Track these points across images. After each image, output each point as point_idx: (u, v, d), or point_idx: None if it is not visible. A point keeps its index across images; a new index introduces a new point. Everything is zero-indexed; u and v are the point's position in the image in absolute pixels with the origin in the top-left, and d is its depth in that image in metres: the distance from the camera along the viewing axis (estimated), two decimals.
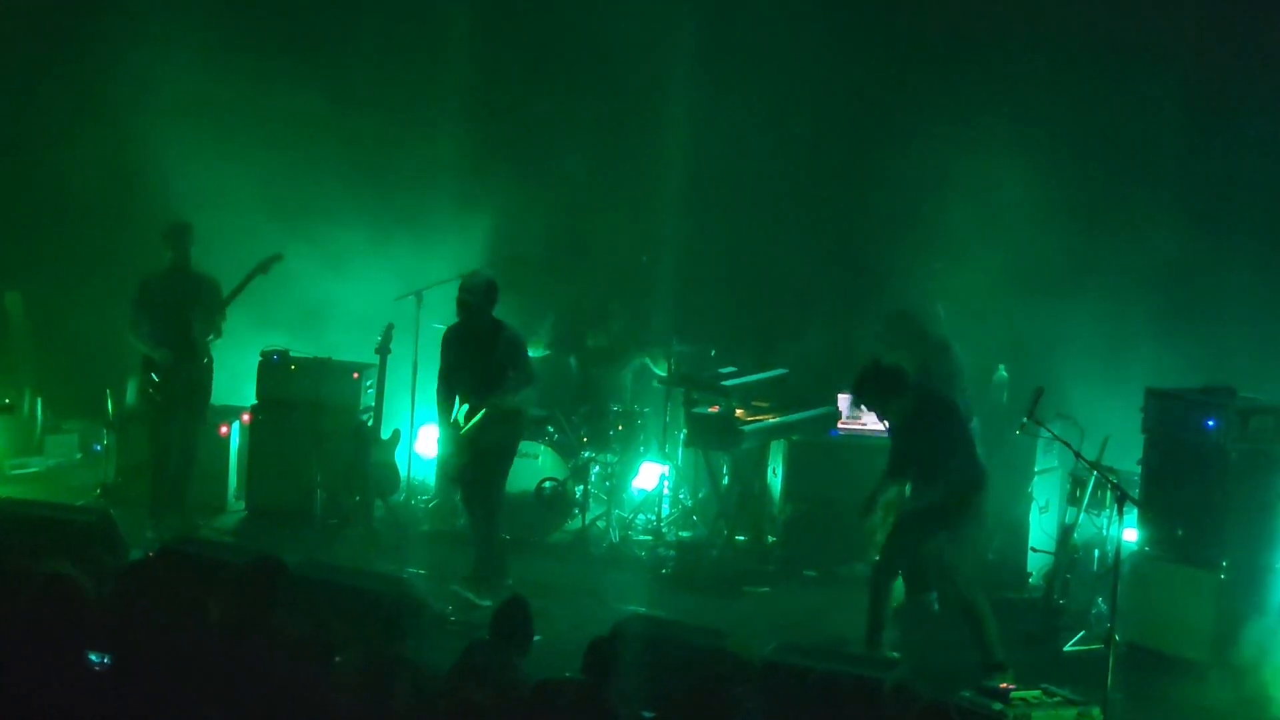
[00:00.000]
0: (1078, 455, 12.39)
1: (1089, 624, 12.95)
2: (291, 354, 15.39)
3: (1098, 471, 12.58)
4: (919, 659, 11.72)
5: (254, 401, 15.49)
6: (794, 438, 14.91)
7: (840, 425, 14.82)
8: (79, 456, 16.85)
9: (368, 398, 15.36)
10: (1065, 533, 13.43)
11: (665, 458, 15.31)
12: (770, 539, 14.88)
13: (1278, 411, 12.71)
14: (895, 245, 15.74)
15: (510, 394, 13.28)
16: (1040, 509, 14.07)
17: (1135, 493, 12.51)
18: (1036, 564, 13.96)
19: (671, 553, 14.66)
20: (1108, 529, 13.07)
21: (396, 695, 8.27)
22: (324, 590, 10.92)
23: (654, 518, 15.13)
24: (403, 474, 15.40)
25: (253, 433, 15.48)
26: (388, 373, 15.15)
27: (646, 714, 9.34)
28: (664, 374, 15.48)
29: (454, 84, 16.86)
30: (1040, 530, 13.98)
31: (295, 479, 15.10)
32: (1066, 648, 12.83)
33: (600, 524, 15.14)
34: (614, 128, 16.96)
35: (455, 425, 13.35)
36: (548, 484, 14.96)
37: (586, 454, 15.24)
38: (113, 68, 16.64)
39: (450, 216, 16.35)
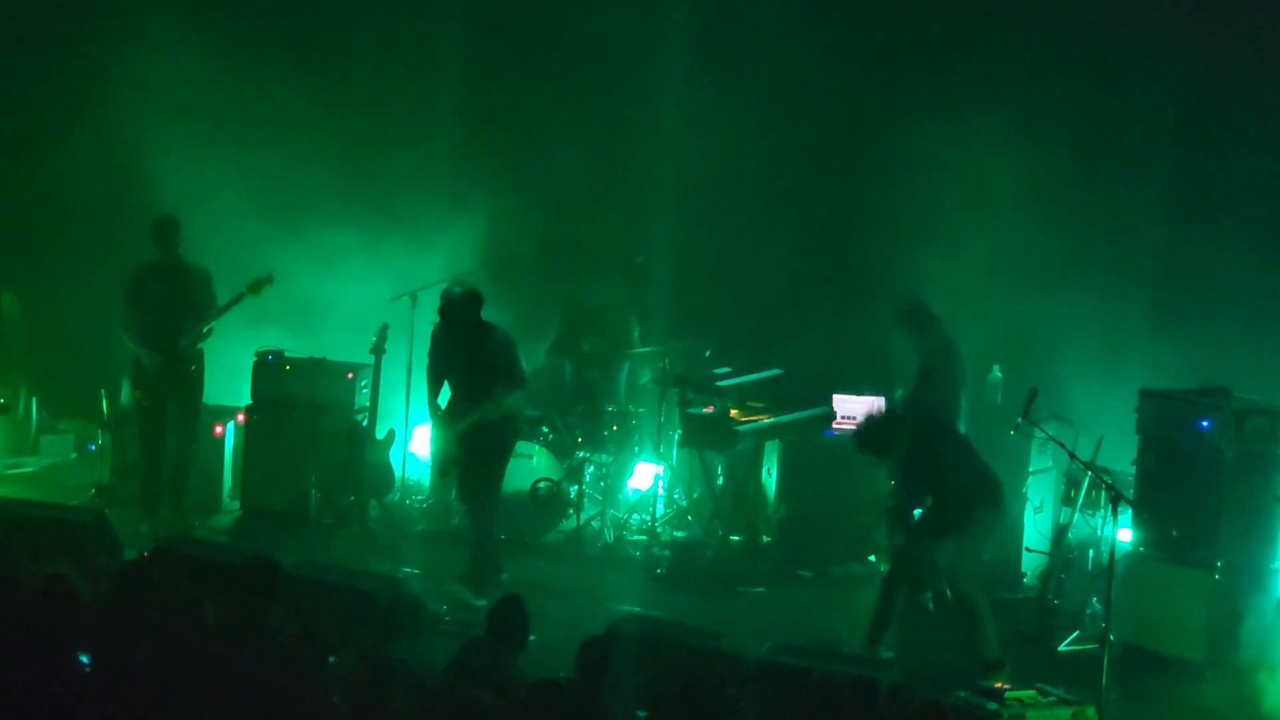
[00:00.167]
0: (1072, 456, 12.40)
1: (1084, 624, 12.96)
2: (286, 354, 15.37)
3: (1092, 472, 12.58)
4: (914, 659, 11.73)
5: (249, 401, 15.47)
6: (789, 438, 14.92)
7: (835, 426, 14.81)
8: (74, 456, 16.83)
9: (362, 398, 15.34)
10: (1060, 533, 13.43)
11: (660, 458, 15.32)
12: (765, 539, 14.88)
13: (1273, 412, 12.72)
14: (891, 246, 15.73)
15: (496, 404, 13.28)
16: (1035, 509, 14.08)
17: (1130, 493, 12.51)
18: (1031, 564, 13.96)
19: (666, 553, 14.67)
20: (1102, 529, 13.05)
21: (392, 695, 8.26)
22: (319, 590, 10.93)
23: (649, 518, 15.12)
24: (397, 474, 15.40)
25: (247, 433, 15.46)
26: (383, 373, 15.17)
27: (641, 714, 9.33)
28: (640, 347, 15.57)
29: (448, 84, 16.87)
30: (1035, 530, 13.98)
31: (290, 479, 15.08)
32: (1061, 647, 12.84)
33: (595, 524, 15.14)
34: (608, 128, 16.96)
35: (443, 421, 13.35)
36: (542, 484, 14.96)
37: (581, 454, 15.23)
38: (108, 69, 16.66)
39: (445, 217, 16.37)
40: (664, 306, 16.00)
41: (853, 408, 14.76)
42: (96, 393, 15.30)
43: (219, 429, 15.46)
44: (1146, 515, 12.65)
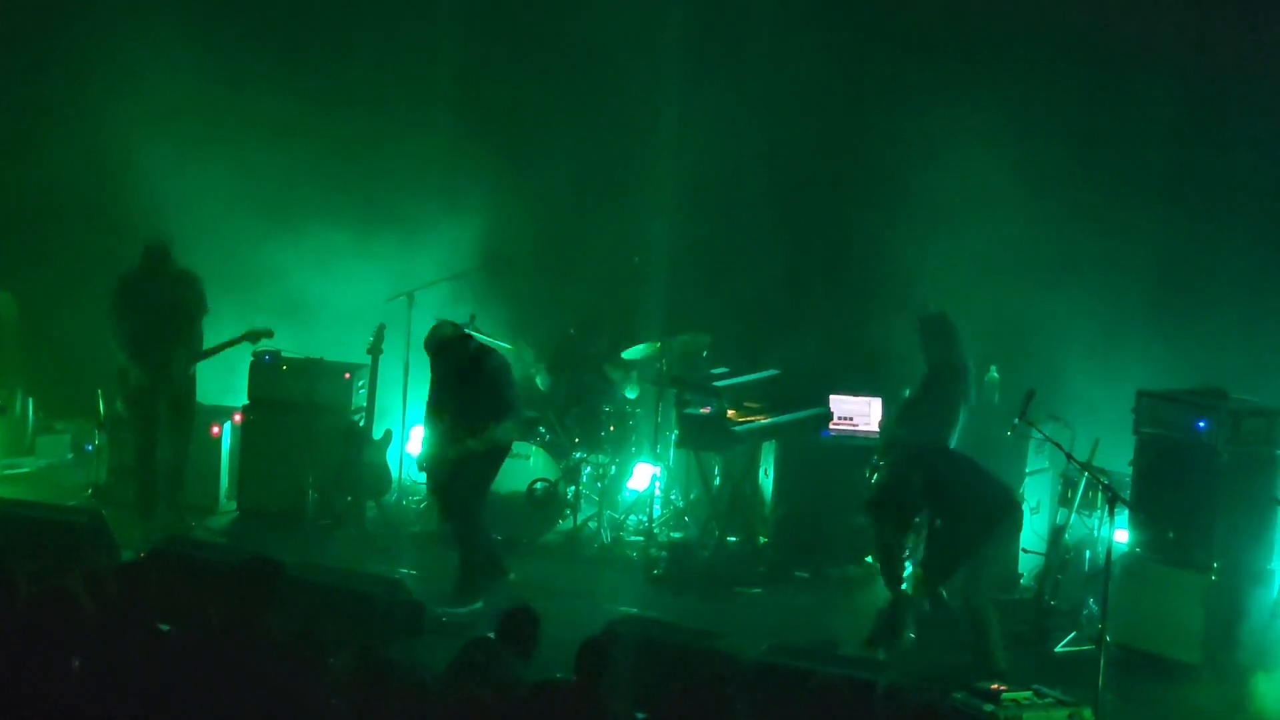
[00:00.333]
0: (1069, 456, 12.41)
1: (1080, 625, 12.95)
2: (283, 354, 15.36)
3: (1089, 473, 12.59)
4: (911, 660, 11.73)
5: (245, 402, 15.47)
6: (786, 439, 14.91)
7: (832, 426, 14.81)
8: (70, 457, 16.82)
9: (359, 398, 15.35)
10: (1056, 534, 13.43)
11: (657, 459, 15.32)
12: (762, 540, 14.88)
13: (1270, 413, 12.73)
14: (888, 246, 15.72)
15: (490, 439, 13.30)
16: (1031, 510, 14.06)
17: (1126, 494, 12.52)
18: (1028, 565, 13.96)
19: (663, 554, 14.65)
20: (1099, 530, 13.08)
21: (391, 696, 8.26)
22: (317, 591, 10.92)
23: (646, 519, 15.12)
24: (394, 474, 15.40)
25: (244, 433, 15.46)
26: (379, 373, 15.18)
27: (639, 715, 9.33)
28: (620, 378, 15.58)
29: (445, 83, 16.87)
30: (1031, 531, 13.97)
31: (287, 479, 15.08)
32: (1058, 649, 12.84)
33: (592, 525, 15.14)
34: (605, 127, 16.94)
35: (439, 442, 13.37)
36: (539, 485, 14.96)
37: (578, 455, 15.24)
38: (104, 70, 16.63)
39: (441, 217, 16.36)
40: (661, 306, 16.00)
41: (850, 408, 14.78)
42: (93, 393, 15.29)
43: (216, 429, 15.45)
44: (1143, 516, 12.65)
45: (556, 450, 15.22)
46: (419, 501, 15.59)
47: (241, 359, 15.35)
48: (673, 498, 15.60)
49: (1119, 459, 13.17)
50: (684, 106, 16.53)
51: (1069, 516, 13.34)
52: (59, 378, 16.76)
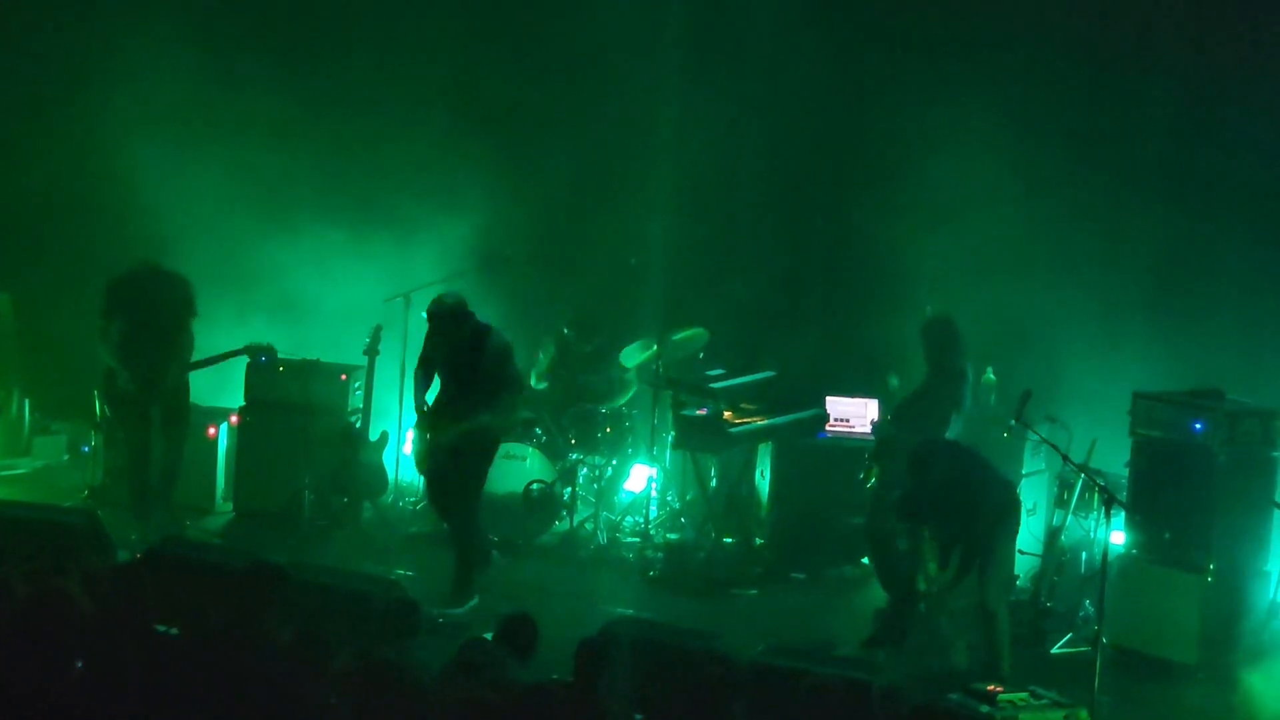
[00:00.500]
0: (1065, 458, 12.40)
1: (1076, 626, 12.96)
2: (280, 355, 15.35)
3: (1085, 474, 12.59)
4: (907, 661, 11.73)
5: (242, 403, 15.46)
6: (782, 440, 14.91)
7: (828, 428, 14.81)
8: (67, 458, 16.81)
9: (356, 399, 15.36)
10: (1053, 535, 13.44)
11: (654, 460, 15.32)
12: (758, 541, 14.87)
13: (1266, 415, 12.74)
14: (885, 247, 15.72)
15: (504, 414, 13.29)
16: (1028, 511, 14.06)
17: (1123, 495, 12.52)
18: (1024, 566, 13.95)
19: (659, 555, 14.65)
20: (1095, 531, 13.10)
21: (389, 696, 8.26)
22: (314, 592, 10.91)
23: (642, 520, 15.13)
24: (391, 475, 15.40)
25: (240, 434, 15.45)
26: (376, 374, 15.18)
27: (635, 716, 9.33)
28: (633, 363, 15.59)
29: (441, 83, 16.87)
30: (1028, 532, 13.96)
31: (283, 480, 15.08)
32: (1054, 650, 12.85)
33: (588, 526, 15.14)
34: (602, 127, 16.94)
35: (430, 422, 13.30)
36: (535, 486, 14.96)
37: (575, 456, 15.24)
38: (101, 71, 16.62)
39: (438, 217, 16.33)
40: (657, 307, 16.01)
41: (846, 410, 14.77)
42: (89, 394, 15.27)
43: (212, 430, 15.45)
44: (1139, 518, 12.65)
45: (553, 451, 15.22)
46: (415, 502, 15.58)
47: (238, 360, 15.32)
48: (669, 499, 15.59)
49: (1115, 460, 13.19)
50: (682, 106, 16.52)
51: (1065, 518, 13.35)
52: (56, 378, 16.75)
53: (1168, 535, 12.66)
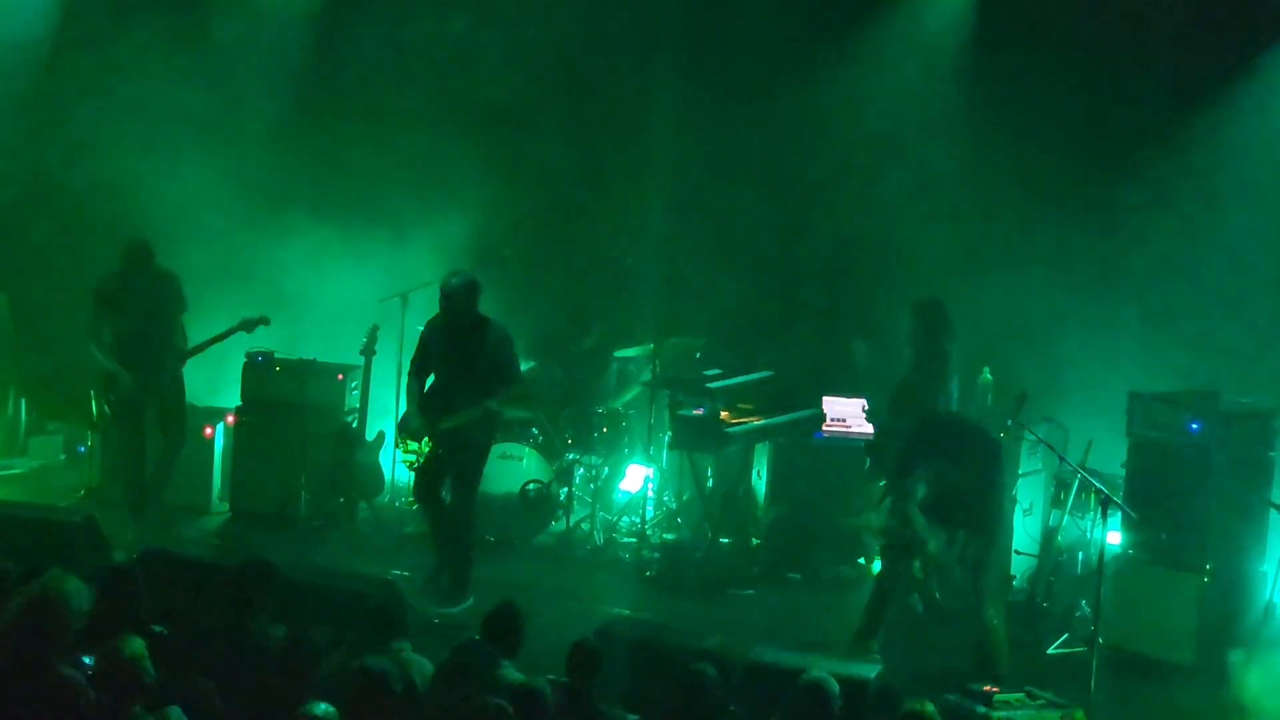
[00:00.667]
0: (1062, 458, 12.41)
1: (1072, 627, 12.96)
2: (276, 355, 15.35)
3: (1082, 474, 12.59)
4: (903, 662, 11.72)
5: (238, 403, 15.46)
6: (779, 440, 14.92)
7: (825, 428, 14.81)
8: (63, 458, 16.83)
9: (352, 399, 15.36)
10: (1049, 535, 13.44)
11: (650, 460, 15.32)
12: (754, 541, 14.87)
13: (1262, 415, 12.75)
14: (882, 248, 15.73)
15: (505, 402, 13.29)
16: (1024, 512, 14.06)
17: (1119, 496, 12.52)
18: (1020, 567, 13.95)
19: (656, 555, 14.64)
20: (1091, 532, 13.09)
21: (382, 697, 8.25)
22: (309, 592, 10.91)
23: (638, 520, 15.12)
24: (387, 476, 15.40)
25: (237, 434, 15.45)
26: (372, 374, 15.17)
27: (630, 716, 9.33)
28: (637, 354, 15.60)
29: (436, 82, 16.87)
30: (1024, 533, 13.98)
31: (279, 481, 15.08)
32: (1050, 650, 12.84)
33: (584, 526, 15.14)
34: (599, 127, 16.95)
35: (424, 413, 13.25)
36: (532, 486, 14.95)
37: (571, 456, 15.24)
38: (97, 71, 16.62)
39: (434, 217, 16.33)
40: (654, 307, 16.01)
41: (843, 409, 14.78)
42: (86, 394, 15.27)
43: (208, 430, 15.45)
44: (1135, 518, 12.64)
45: (549, 451, 15.22)
46: (411, 502, 15.56)
47: (235, 360, 15.34)
48: (665, 499, 15.59)
49: (1112, 460, 13.18)
50: (677, 105, 16.56)
51: (1062, 518, 13.33)
52: (52, 378, 16.76)
53: (1164, 535, 12.66)
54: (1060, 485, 13.44)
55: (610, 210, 16.68)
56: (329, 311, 16.11)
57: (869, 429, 14.53)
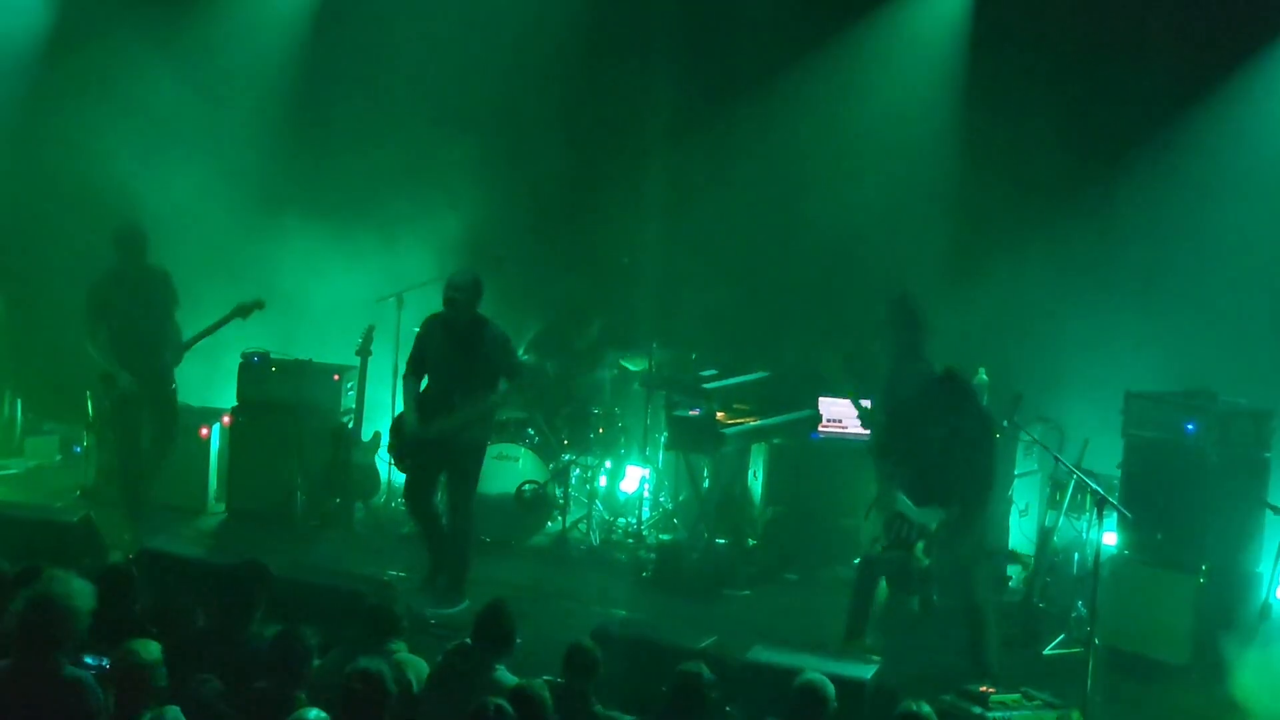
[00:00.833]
0: (1057, 459, 12.41)
1: (1069, 627, 12.96)
2: (272, 356, 15.35)
3: (1078, 475, 12.59)
4: (900, 662, 11.72)
5: (234, 403, 15.44)
6: (775, 440, 14.92)
7: (821, 428, 14.81)
8: (59, 458, 16.82)
9: (348, 400, 15.35)
10: (1045, 536, 13.44)
11: (646, 460, 15.32)
12: (751, 542, 14.87)
13: (1258, 415, 12.76)
14: (879, 248, 15.73)
15: (508, 398, 13.30)
16: (1020, 512, 14.10)
17: (1115, 496, 12.52)
18: (1016, 567, 13.96)
19: (652, 556, 14.64)
20: (1087, 532, 13.08)
21: (378, 698, 8.26)
22: (305, 592, 10.91)
23: (635, 521, 15.12)
24: (383, 476, 15.39)
25: (233, 435, 15.42)
26: (368, 375, 15.16)
27: (627, 717, 9.33)
28: (639, 369, 15.55)
29: (432, 82, 16.86)
30: (1020, 533, 13.99)
31: (275, 481, 15.07)
32: (1046, 651, 12.84)
33: (581, 527, 15.14)
34: (595, 127, 16.94)
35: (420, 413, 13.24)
36: (528, 486, 14.95)
37: (567, 456, 15.24)
38: (93, 72, 16.62)
39: (430, 217, 16.33)
40: (650, 307, 16.02)
41: (839, 410, 14.77)
42: (82, 394, 15.27)
43: (204, 431, 15.44)
44: (1131, 518, 12.63)
45: (545, 452, 15.22)
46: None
47: (230, 360, 15.33)
48: (662, 499, 15.60)
49: (1108, 461, 13.18)
50: (674, 105, 16.56)
51: (1058, 519, 13.34)
52: (48, 378, 16.75)
53: (1160, 536, 12.67)
54: (1056, 486, 13.46)
55: (606, 210, 16.67)
56: (324, 312, 16.12)
57: (864, 430, 14.53)
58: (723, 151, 16.50)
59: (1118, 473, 13.01)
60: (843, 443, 14.65)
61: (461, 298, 13.00)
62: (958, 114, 15.54)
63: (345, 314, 15.74)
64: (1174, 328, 14.47)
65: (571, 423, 15.48)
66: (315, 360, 15.41)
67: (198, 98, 16.70)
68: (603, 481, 15.55)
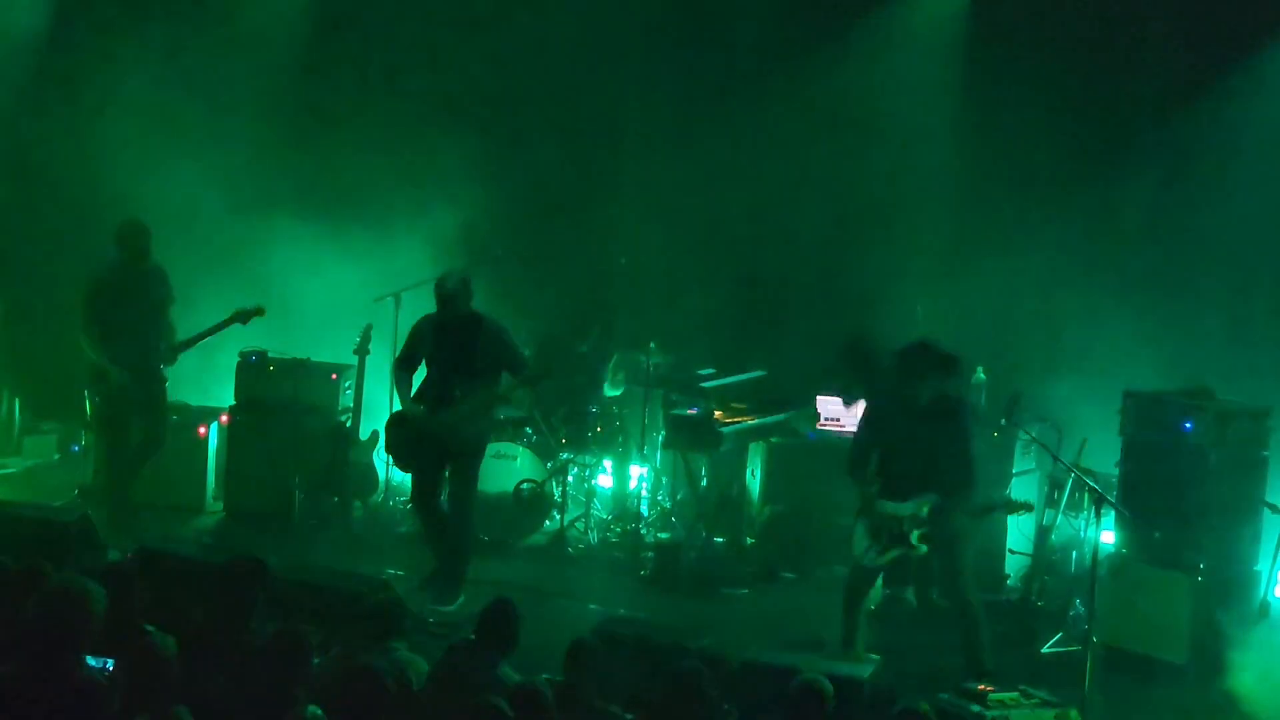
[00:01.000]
0: (1055, 457, 12.41)
1: (1066, 626, 12.96)
2: (270, 355, 15.35)
3: (1076, 473, 12.59)
4: (898, 661, 11.72)
5: (232, 403, 15.45)
6: (772, 439, 14.92)
7: (819, 427, 14.81)
8: (57, 457, 16.81)
9: (346, 399, 15.35)
10: (1043, 534, 13.44)
11: (644, 459, 15.32)
12: (748, 540, 14.86)
13: (1256, 414, 12.76)
14: (876, 247, 15.73)
15: (515, 392, 13.33)
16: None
17: (1113, 495, 12.52)
18: (1014, 566, 13.96)
19: (650, 554, 14.64)
20: (1085, 531, 13.08)
21: (377, 698, 8.25)
22: (304, 592, 10.91)
23: (632, 520, 15.11)
24: (381, 475, 15.39)
25: (231, 434, 15.42)
26: (366, 374, 15.16)
27: (626, 716, 9.33)
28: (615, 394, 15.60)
29: (430, 82, 16.86)
30: (1018, 532, 13.98)
31: (274, 480, 15.06)
32: (1044, 649, 12.84)
33: (578, 526, 15.14)
34: (592, 126, 16.94)
35: (420, 412, 13.24)
36: (526, 485, 14.95)
37: (565, 455, 15.24)
38: (88, 72, 16.61)
39: (427, 216, 16.32)
40: (647, 307, 16.02)
41: (837, 408, 14.78)
42: (80, 393, 15.23)
43: (202, 430, 15.43)
44: (1129, 517, 12.65)
45: (543, 450, 15.22)
46: (405, 502, 15.54)
47: (229, 359, 15.33)
48: (660, 498, 15.59)
49: (1106, 460, 13.18)
50: (671, 105, 16.55)
51: (1056, 517, 13.35)
52: (46, 377, 16.72)
53: (1158, 535, 12.66)
54: (1054, 484, 13.45)
55: (603, 209, 16.67)
56: (323, 311, 16.10)
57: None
58: (722, 150, 16.49)
59: (1116, 471, 13.01)
60: (841, 441, 14.58)
61: (453, 299, 13.04)
62: (956, 113, 15.53)
63: (343, 313, 15.73)
64: (1172, 326, 14.48)
65: (569, 421, 15.48)
66: (313, 359, 15.42)
67: (196, 98, 16.67)
68: (601, 480, 15.56)
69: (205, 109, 16.77)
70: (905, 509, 11.78)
